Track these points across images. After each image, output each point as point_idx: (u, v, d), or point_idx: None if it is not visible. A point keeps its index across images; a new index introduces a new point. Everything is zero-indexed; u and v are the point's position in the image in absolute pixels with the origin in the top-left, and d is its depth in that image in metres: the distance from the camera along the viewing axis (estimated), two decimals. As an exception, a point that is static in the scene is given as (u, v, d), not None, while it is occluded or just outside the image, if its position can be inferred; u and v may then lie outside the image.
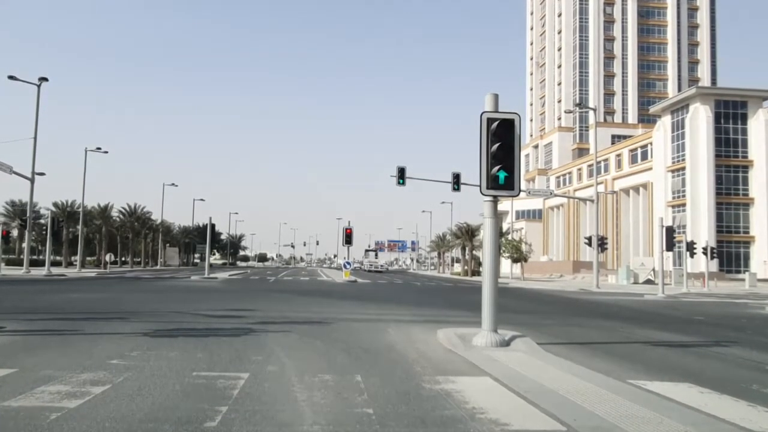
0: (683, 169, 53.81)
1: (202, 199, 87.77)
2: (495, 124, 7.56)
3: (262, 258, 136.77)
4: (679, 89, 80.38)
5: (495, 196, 7.74)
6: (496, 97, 7.90)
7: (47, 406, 4.06)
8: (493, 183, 7.51)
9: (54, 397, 4.32)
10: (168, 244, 74.89)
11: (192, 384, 4.96)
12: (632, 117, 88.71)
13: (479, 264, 62.12)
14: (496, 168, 7.48)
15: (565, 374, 5.75)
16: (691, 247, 31.79)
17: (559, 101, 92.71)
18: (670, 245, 25.80)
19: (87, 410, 4.00)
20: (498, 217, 8.06)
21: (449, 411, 4.29)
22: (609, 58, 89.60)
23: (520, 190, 7.74)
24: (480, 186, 7.63)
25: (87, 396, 4.39)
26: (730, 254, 52.57)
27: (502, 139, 7.52)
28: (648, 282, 41.41)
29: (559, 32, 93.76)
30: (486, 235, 7.89)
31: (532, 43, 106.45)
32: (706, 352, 8.23)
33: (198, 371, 5.53)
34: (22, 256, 41.69)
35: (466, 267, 57.19)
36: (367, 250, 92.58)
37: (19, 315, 10.51)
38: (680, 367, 6.81)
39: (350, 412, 4.18)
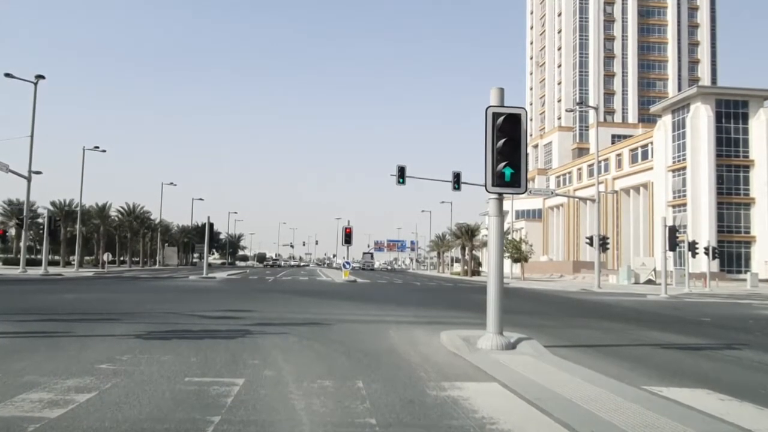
0: (684, 168, 53.58)
1: (201, 199, 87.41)
2: (501, 119, 7.27)
3: (261, 258, 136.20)
4: (680, 89, 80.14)
5: (501, 194, 7.47)
6: (501, 91, 7.63)
7: (26, 416, 3.79)
8: (498, 180, 7.23)
9: (35, 406, 4.04)
10: (167, 244, 74.58)
11: (184, 391, 4.69)
12: (632, 117, 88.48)
13: (479, 264, 62.10)
14: (502, 164, 7.20)
15: (577, 379, 5.48)
16: (693, 247, 31.54)
17: (559, 101, 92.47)
18: (673, 245, 25.55)
19: (68, 421, 3.73)
20: (503, 215, 7.79)
21: (457, 421, 4.02)
22: (609, 57, 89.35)
23: (526, 188, 7.46)
24: (485, 183, 7.35)
25: (70, 405, 4.11)
26: (731, 254, 52.33)
27: (508, 135, 7.24)
28: (649, 282, 41.17)
29: (559, 31, 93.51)
30: (491, 234, 7.61)
31: (532, 43, 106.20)
32: (719, 356, 7.97)
33: (191, 377, 5.26)
34: (19, 256, 41.36)
35: (465, 267, 56.91)
36: (364, 253, 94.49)
37: (11, 316, 10.25)
38: (694, 372, 6.54)
39: (351, 422, 3.92)
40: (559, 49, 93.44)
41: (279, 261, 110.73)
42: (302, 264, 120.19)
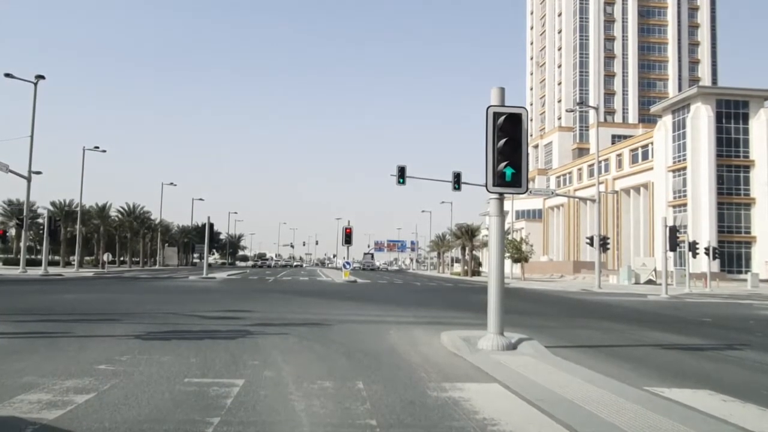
0: (684, 168, 53.54)
1: (201, 199, 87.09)
2: (502, 118, 7.25)
3: (261, 258, 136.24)
4: (680, 89, 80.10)
5: (501, 194, 7.44)
6: (502, 90, 7.60)
7: (24, 418, 3.76)
8: (499, 180, 7.20)
9: (33, 407, 4.02)
10: (167, 244, 74.54)
11: (183, 392, 4.66)
12: (632, 117, 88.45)
13: (479, 264, 62.04)
14: (503, 164, 7.17)
15: (578, 380, 5.46)
16: (693, 247, 31.52)
17: (560, 101, 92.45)
18: (674, 245, 25.51)
19: (66, 422, 3.70)
20: (504, 215, 7.77)
21: (458, 422, 3.99)
22: (609, 57, 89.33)
23: (527, 188, 7.43)
24: (486, 183, 7.33)
25: (69, 406, 4.09)
26: (731, 254, 52.28)
27: (509, 135, 7.21)
28: (649, 282, 41.14)
29: (560, 32, 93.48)
30: (492, 234, 7.58)
31: (532, 43, 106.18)
32: (720, 356, 7.94)
33: (190, 377, 5.23)
34: (19, 256, 41.35)
35: (466, 267, 56.85)
36: (365, 253, 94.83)
37: (10, 316, 10.22)
38: (696, 373, 6.52)
39: (352, 424, 3.89)
40: (560, 49, 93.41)
41: (269, 261, 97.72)
42: (296, 264, 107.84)
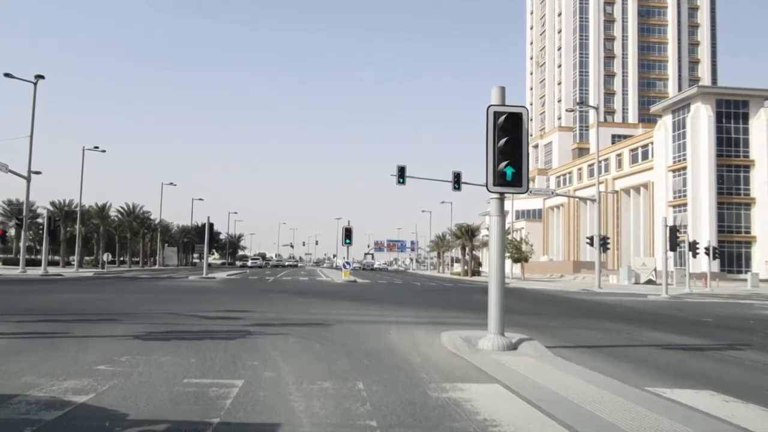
0: (684, 168, 53.53)
1: (201, 199, 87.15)
2: (502, 118, 7.23)
3: (253, 258, 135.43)
4: (680, 89, 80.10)
5: (502, 193, 7.43)
6: (502, 90, 7.59)
7: (22, 419, 3.74)
8: (500, 179, 7.19)
9: (31, 408, 3.99)
10: (167, 244, 74.46)
11: (182, 392, 4.64)
12: (632, 117, 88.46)
13: (479, 264, 61.99)
14: (504, 164, 7.16)
15: (579, 381, 5.44)
16: (693, 247, 31.50)
17: (559, 101, 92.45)
18: (674, 245, 25.50)
19: (65, 423, 3.68)
20: (504, 215, 7.75)
21: (459, 423, 3.97)
22: (609, 57, 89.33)
23: (528, 187, 7.41)
24: (486, 183, 7.31)
25: (67, 407, 4.06)
26: (731, 254, 52.26)
27: (509, 134, 7.20)
28: (649, 282, 41.12)
29: (559, 32, 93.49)
30: (493, 234, 7.56)
31: (532, 43, 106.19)
32: (721, 356, 7.92)
33: (189, 378, 5.20)
34: (19, 256, 41.27)
35: (465, 267, 56.81)
36: (366, 253, 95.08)
37: (10, 316, 10.19)
38: (697, 373, 6.49)
39: (352, 424, 3.87)
40: (559, 49, 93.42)
41: (259, 261, 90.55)
42: (288, 264, 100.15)
